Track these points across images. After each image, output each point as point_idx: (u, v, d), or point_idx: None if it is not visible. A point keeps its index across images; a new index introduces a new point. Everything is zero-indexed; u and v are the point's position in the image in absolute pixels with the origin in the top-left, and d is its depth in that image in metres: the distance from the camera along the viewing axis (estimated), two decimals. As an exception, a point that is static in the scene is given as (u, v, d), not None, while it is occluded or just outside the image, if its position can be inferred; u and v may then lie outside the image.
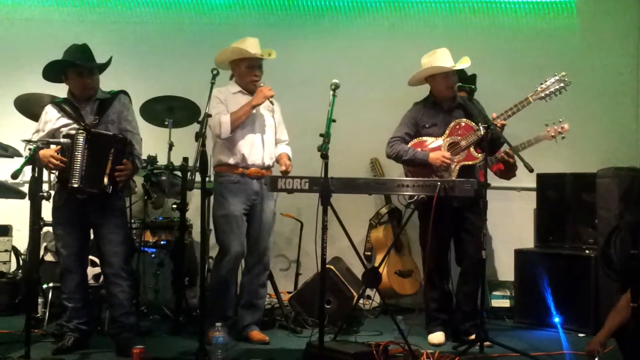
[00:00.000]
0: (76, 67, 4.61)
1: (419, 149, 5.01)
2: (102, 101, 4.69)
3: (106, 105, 4.68)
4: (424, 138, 5.06)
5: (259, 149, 5.00)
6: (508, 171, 5.65)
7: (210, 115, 4.57)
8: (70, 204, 4.55)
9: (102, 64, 4.70)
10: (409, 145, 5.05)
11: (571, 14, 6.61)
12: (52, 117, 4.64)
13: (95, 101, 4.68)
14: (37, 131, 4.66)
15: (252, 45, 5.03)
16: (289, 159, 5.15)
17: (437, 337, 5.01)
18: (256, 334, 4.99)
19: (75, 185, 4.40)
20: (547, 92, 4.79)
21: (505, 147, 5.24)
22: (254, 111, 5.00)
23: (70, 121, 4.61)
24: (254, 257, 5.09)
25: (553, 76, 4.80)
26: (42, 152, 4.37)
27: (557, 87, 4.78)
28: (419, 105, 5.17)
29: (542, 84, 4.81)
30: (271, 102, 5.03)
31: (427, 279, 5.14)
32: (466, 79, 5.72)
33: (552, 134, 5.22)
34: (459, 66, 5.01)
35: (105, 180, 4.46)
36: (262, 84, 4.97)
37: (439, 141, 5.01)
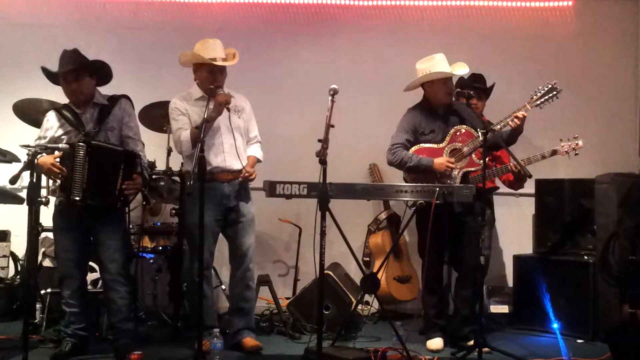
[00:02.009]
0: (62, 74, 4.59)
1: (422, 156, 5.00)
2: (102, 107, 4.67)
3: (106, 112, 4.66)
4: (425, 145, 5.04)
5: (225, 154, 4.89)
6: (517, 181, 5.65)
7: (208, 121, 4.56)
8: (70, 209, 4.53)
9: (87, 63, 4.60)
10: (411, 151, 5.05)
11: (569, 19, 6.61)
12: (53, 125, 4.64)
13: (95, 107, 4.67)
14: (39, 138, 4.65)
15: (211, 49, 4.89)
16: (258, 161, 5.08)
17: (436, 343, 5.00)
18: (249, 340, 4.91)
19: (77, 199, 4.38)
20: (542, 99, 4.84)
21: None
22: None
23: (71, 128, 4.60)
24: (235, 261, 5.02)
25: (545, 85, 4.85)
26: (42, 160, 4.34)
27: (550, 95, 4.83)
28: (415, 111, 5.15)
29: (536, 92, 4.85)
30: (227, 106, 4.75)
31: (425, 285, 5.13)
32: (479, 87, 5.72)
33: (566, 149, 5.22)
34: (457, 72, 5.03)
35: (116, 195, 4.49)
36: (221, 91, 4.75)
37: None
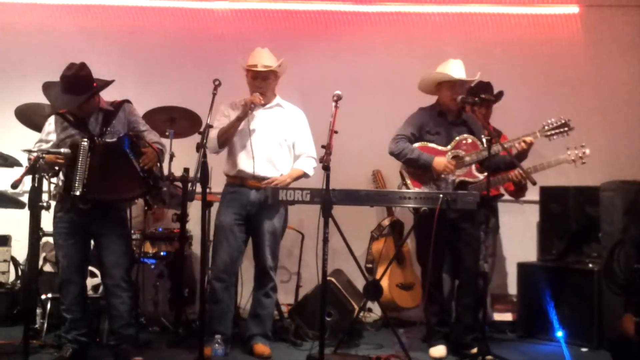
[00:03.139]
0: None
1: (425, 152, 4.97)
2: (107, 112, 4.62)
3: (111, 117, 4.61)
4: (430, 144, 5.02)
5: (255, 160, 4.91)
6: (518, 191, 5.62)
7: (211, 126, 4.54)
8: (71, 214, 4.50)
9: (92, 92, 4.50)
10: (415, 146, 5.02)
11: (576, 26, 6.59)
12: (56, 128, 4.57)
13: (100, 112, 4.62)
14: (40, 141, 4.58)
15: (257, 56, 5.00)
16: (304, 175, 5.04)
17: (439, 350, 4.97)
18: (259, 347, 4.90)
19: (77, 193, 4.31)
20: (553, 132, 4.89)
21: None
22: (257, 121, 4.92)
23: (75, 132, 4.54)
24: (258, 267, 5.05)
25: (559, 119, 4.89)
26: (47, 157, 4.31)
27: (562, 130, 4.88)
28: (425, 110, 5.14)
29: (549, 123, 4.89)
30: (252, 107, 4.87)
31: (427, 293, 5.10)
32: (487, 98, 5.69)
33: (573, 158, 5.19)
34: (465, 77, 4.99)
35: (143, 176, 4.46)
36: (256, 94, 4.88)
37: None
